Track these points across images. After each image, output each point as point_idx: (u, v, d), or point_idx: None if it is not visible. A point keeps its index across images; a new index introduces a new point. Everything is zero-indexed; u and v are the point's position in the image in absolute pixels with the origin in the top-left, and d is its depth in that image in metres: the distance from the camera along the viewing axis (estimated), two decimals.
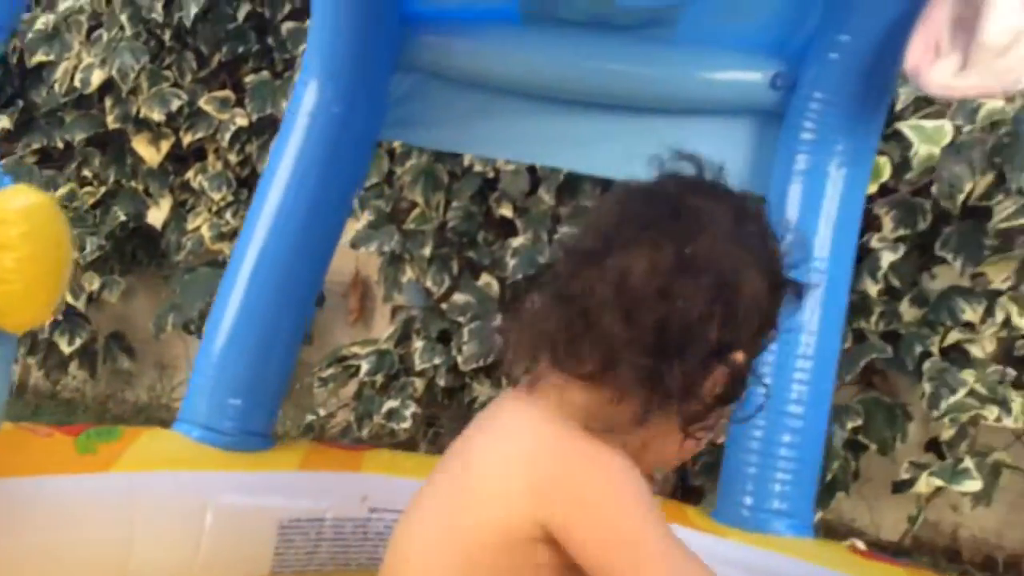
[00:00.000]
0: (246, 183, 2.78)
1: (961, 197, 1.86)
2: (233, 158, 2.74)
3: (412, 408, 2.38)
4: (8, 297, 0.92)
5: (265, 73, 2.70)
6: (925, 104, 1.84)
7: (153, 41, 2.73)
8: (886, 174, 1.89)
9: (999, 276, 1.94)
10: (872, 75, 1.27)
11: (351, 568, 1.33)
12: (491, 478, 0.85)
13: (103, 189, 2.85)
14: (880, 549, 2.05)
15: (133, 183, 2.85)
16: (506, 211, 2.45)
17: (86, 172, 2.87)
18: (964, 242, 1.93)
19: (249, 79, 2.70)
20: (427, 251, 2.51)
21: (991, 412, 1.84)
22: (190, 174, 2.80)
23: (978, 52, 1.09)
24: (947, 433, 1.91)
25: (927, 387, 1.91)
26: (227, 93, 2.74)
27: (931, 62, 1.13)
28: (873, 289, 1.96)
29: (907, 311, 2.01)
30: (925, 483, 1.81)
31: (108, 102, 2.77)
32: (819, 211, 1.28)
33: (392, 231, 2.54)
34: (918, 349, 1.96)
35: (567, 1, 1.32)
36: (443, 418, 2.53)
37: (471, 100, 1.45)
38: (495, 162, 2.45)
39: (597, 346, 0.82)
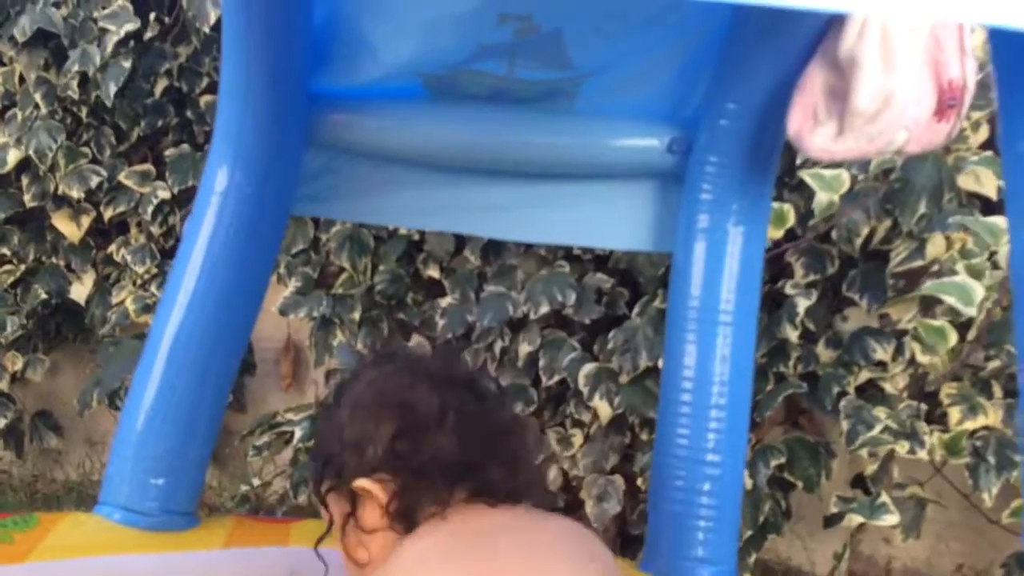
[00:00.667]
0: (170, 254, 2.78)
1: (859, 241, 1.97)
2: (156, 230, 2.74)
3: None
4: None
5: (185, 146, 2.72)
6: None
7: (70, 118, 2.73)
8: (791, 221, 2.00)
9: (904, 315, 2.04)
10: (759, 139, 1.35)
11: None
12: None
13: (23, 267, 2.81)
14: None
15: (54, 259, 2.83)
16: (433, 272, 2.50)
17: (4, 250, 2.84)
18: (868, 283, 2.04)
19: (169, 152, 2.72)
20: (356, 314, 2.53)
21: (903, 447, 1.93)
22: (112, 248, 2.79)
23: (851, 119, 1.18)
24: (870, 468, 1.99)
25: (844, 424, 1.99)
26: (147, 167, 2.75)
27: (811, 128, 1.22)
28: (793, 334, 2.04)
29: (823, 352, 2.11)
30: (849, 518, 1.89)
31: (25, 180, 2.75)
32: (722, 267, 1.36)
33: (320, 296, 2.56)
34: (835, 389, 2.05)
35: (468, 78, 1.38)
36: None
37: (383, 173, 1.50)
38: None
39: None
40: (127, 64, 2.57)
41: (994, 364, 1.97)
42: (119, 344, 2.65)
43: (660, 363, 2.17)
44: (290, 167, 1.45)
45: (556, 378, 2.29)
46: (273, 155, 1.41)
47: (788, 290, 2.03)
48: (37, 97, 2.70)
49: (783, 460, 2.05)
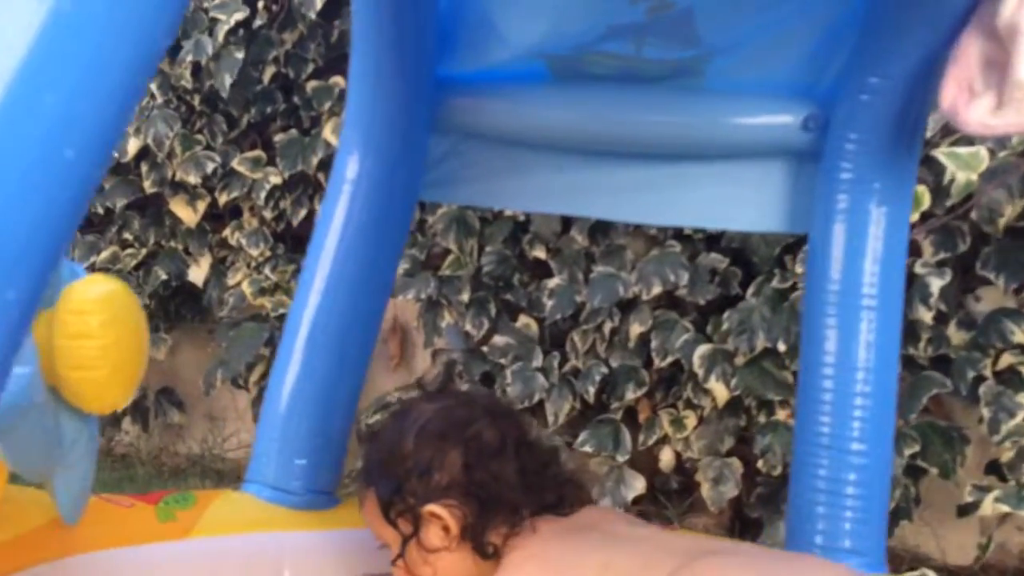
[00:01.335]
0: (282, 238, 2.86)
1: (1002, 221, 1.88)
2: (268, 215, 2.81)
3: None
4: (93, 384, 0.97)
5: (293, 131, 2.77)
6: (954, 130, 1.87)
7: (184, 107, 2.82)
8: (926, 203, 1.91)
9: None
10: (904, 114, 1.30)
11: None
12: None
13: (144, 251, 2.93)
14: (949, 575, 2.05)
15: (173, 243, 2.93)
16: (539, 253, 2.50)
17: (127, 235, 2.96)
18: (1005, 262, 1.95)
19: (278, 138, 2.78)
20: (465, 296, 2.55)
21: None
22: (227, 232, 2.87)
23: (1012, 91, 1.12)
24: (1006, 455, 1.92)
25: (985, 412, 1.92)
26: (258, 153, 2.82)
27: (967, 102, 1.16)
28: (926, 316, 1.96)
29: (955, 335, 2.02)
30: (991, 506, 1.82)
31: (144, 168, 2.86)
32: (864, 249, 1.31)
33: (428, 278, 2.59)
34: (970, 373, 1.97)
35: (594, 59, 1.36)
36: None
37: (506, 157, 1.50)
38: None
39: None
40: (239, 55, 2.64)
41: None
42: (239, 326, 2.74)
43: (779, 345, 2.14)
44: (418, 153, 1.46)
45: (669, 359, 2.27)
46: (402, 141, 1.43)
47: (918, 269, 1.96)
48: (153, 87, 2.79)
49: (917, 448, 1.99)
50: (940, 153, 1.86)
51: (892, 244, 1.32)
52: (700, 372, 2.20)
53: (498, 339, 2.51)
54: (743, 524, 2.33)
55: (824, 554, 1.27)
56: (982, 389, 1.91)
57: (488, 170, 1.50)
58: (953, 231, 1.98)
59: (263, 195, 2.76)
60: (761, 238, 2.18)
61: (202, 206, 2.85)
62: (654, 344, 2.28)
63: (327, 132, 2.65)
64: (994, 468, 1.99)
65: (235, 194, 2.81)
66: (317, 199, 2.77)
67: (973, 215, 1.91)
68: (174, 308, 2.99)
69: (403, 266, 2.61)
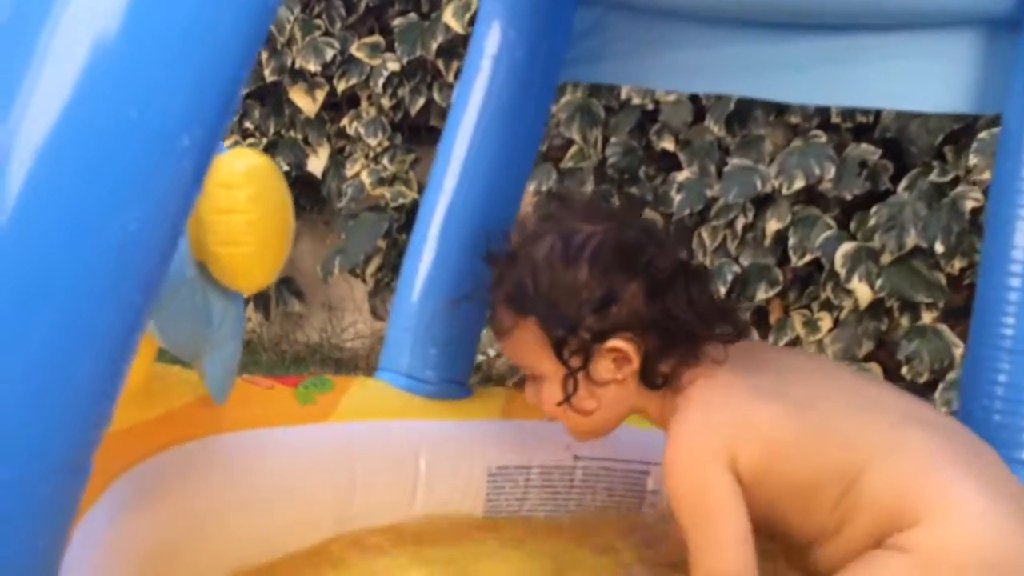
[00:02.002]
0: (400, 128, 2.81)
1: None
2: (386, 103, 2.76)
3: None
4: (242, 259, 0.94)
5: (412, 15, 2.68)
6: None
7: None
8: None
9: None
10: None
11: (560, 514, 1.33)
12: None
13: (265, 140, 2.92)
14: None
15: (292, 133, 2.92)
16: (668, 144, 2.37)
17: (247, 124, 2.95)
18: None
19: (396, 22, 2.69)
20: (587, 189, 2.46)
21: None
22: (345, 121, 2.84)
23: None
24: None
25: None
26: (377, 38, 2.75)
27: None
28: None
29: None
30: None
31: (264, 55, 2.82)
32: None
33: (549, 170, 2.50)
34: None
35: None
36: None
37: (657, 30, 1.37)
38: (655, 94, 2.36)
39: None
40: None
41: None
42: (358, 217, 2.73)
43: (936, 245, 1.98)
44: (563, 25, 1.36)
45: (808, 258, 2.13)
46: (547, 11, 1.32)
47: None
48: None
49: None
50: None
51: None
52: (842, 271, 2.06)
53: None
54: None
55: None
56: None
57: (635, 45, 1.38)
58: None
59: (381, 82, 2.70)
60: (922, 126, 2.00)
61: (321, 95, 2.82)
62: (792, 241, 2.15)
63: (447, 15, 2.55)
64: None
65: (353, 81, 2.75)
66: (436, 87, 2.69)
67: None
68: (294, 198, 2.98)
69: None
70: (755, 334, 2.23)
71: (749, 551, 0.97)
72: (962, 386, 1.25)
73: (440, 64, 2.65)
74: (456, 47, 2.61)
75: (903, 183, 2.06)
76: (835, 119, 2.13)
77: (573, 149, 2.49)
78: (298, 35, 2.73)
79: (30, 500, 0.62)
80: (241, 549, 1.07)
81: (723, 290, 2.22)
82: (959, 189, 1.96)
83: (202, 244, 0.92)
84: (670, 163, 2.39)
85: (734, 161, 2.21)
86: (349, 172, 2.84)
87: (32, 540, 0.64)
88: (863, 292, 2.06)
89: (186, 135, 0.62)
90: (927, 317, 2.08)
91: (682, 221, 2.33)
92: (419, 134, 2.82)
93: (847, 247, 2.07)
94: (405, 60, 2.66)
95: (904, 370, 2.04)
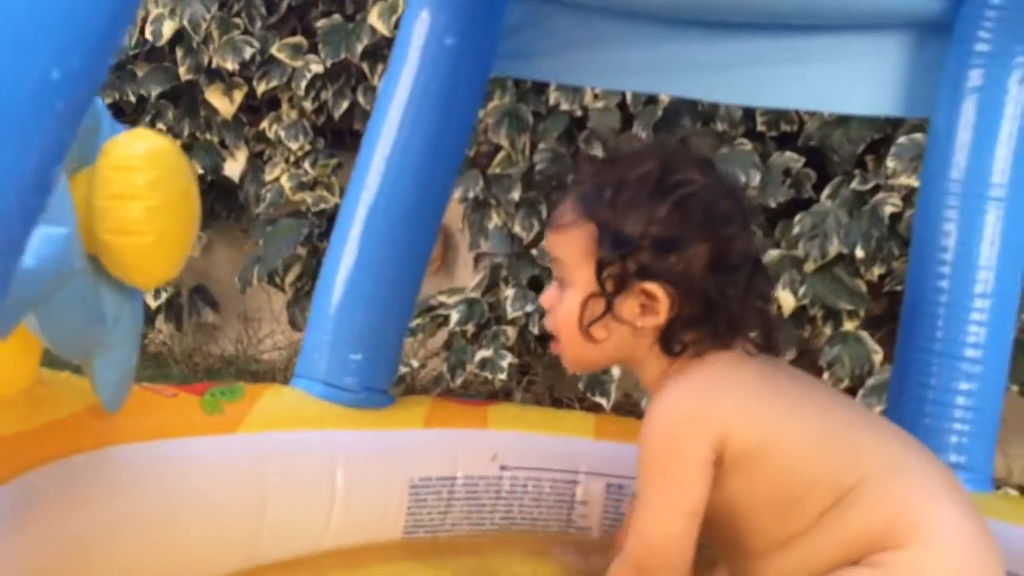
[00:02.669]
0: (323, 132, 2.72)
1: None
2: (308, 106, 2.67)
3: (508, 358, 2.31)
4: (139, 250, 0.86)
5: (336, 17, 2.60)
6: None
7: None
8: None
9: None
10: None
11: (485, 527, 1.27)
12: None
13: (179, 143, 2.79)
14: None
15: (208, 135, 2.80)
16: (597, 151, 2.34)
17: (160, 126, 2.82)
18: None
19: (320, 24, 2.61)
20: (516, 195, 2.41)
21: None
22: (265, 124, 2.74)
23: None
24: None
25: None
26: (299, 39, 2.66)
27: None
28: None
29: None
30: None
31: (179, 53, 2.70)
32: (997, 132, 1.15)
33: (476, 176, 2.45)
34: None
35: None
36: (537, 367, 2.47)
37: (590, 27, 1.34)
38: (583, 100, 2.34)
39: None
40: None
41: None
42: (276, 223, 2.63)
43: (857, 250, 1.99)
44: (494, 18, 1.31)
45: None
46: (477, 2, 1.27)
47: None
48: None
49: None
50: None
51: None
52: None
53: None
54: None
55: None
56: None
57: (568, 41, 1.35)
58: None
59: (303, 85, 2.61)
60: (844, 135, 2.02)
61: (239, 96, 2.71)
62: None
63: (373, 17, 2.47)
64: None
65: (274, 83, 2.66)
66: (360, 91, 2.61)
67: None
68: (209, 204, 2.87)
69: None
70: None
71: (692, 527, 0.94)
72: (891, 390, 1.24)
73: (365, 67, 2.57)
74: (381, 50, 2.54)
75: (826, 191, 2.08)
76: (760, 127, 2.14)
77: (501, 155, 2.44)
78: (215, 33, 2.63)
79: None
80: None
81: None
82: (879, 196, 1.98)
83: (94, 234, 0.84)
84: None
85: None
86: (268, 177, 2.74)
87: None
88: (787, 300, 2.06)
89: (56, 68, 0.53)
90: (849, 324, 2.10)
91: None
92: (343, 138, 2.74)
93: (772, 255, 2.07)
94: (329, 62, 2.57)
95: (826, 376, 2.05)
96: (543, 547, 1.23)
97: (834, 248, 2.03)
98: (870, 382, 2.01)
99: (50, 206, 0.64)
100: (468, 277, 2.66)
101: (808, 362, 2.15)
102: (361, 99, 2.60)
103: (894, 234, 2.00)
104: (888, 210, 1.98)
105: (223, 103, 2.72)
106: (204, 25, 2.61)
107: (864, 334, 2.06)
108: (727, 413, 0.96)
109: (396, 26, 2.25)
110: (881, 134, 2.03)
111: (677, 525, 0.93)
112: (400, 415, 1.30)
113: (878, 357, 2.02)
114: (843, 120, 2.04)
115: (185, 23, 2.61)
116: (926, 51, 1.24)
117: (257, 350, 2.92)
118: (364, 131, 1.34)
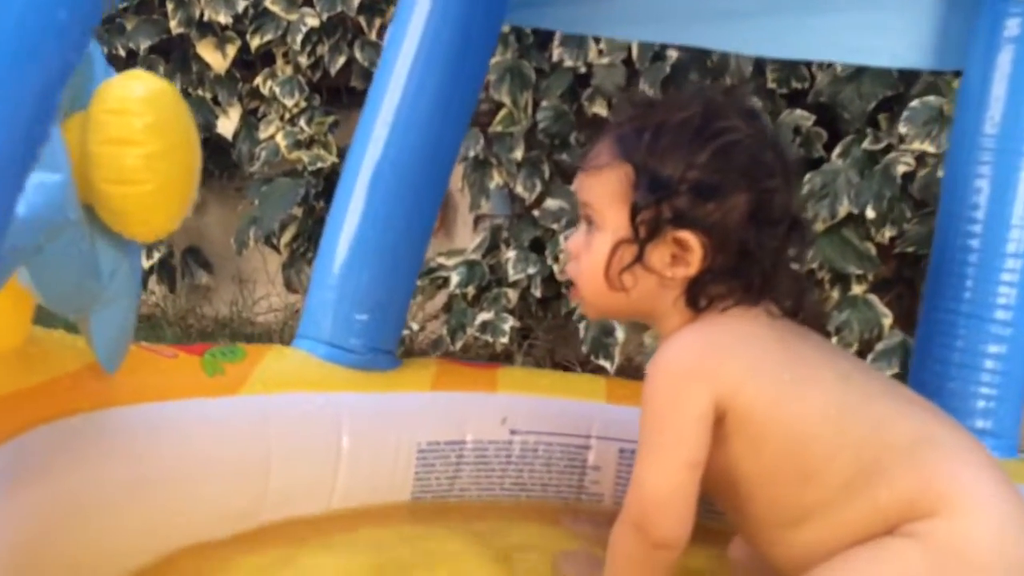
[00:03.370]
0: (318, 88, 2.64)
1: None
2: (304, 61, 2.59)
3: (510, 321, 2.27)
4: (137, 200, 0.81)
5: None
6: None
7: None
8: None
9: None
10: None
11: (495, 493, 1.24)
12: None
13: None
14: None
15: (200, 91, 2.72)
16: (600, 109, 2.28)
17: None
18: None
19: None
20: (516, 155, 2.36)
21: None
22: (259, 80, 2.66)
23: None
24: None
25: None
26: None
27: None
28: None
29: None
30: None
31: (170, 5, 2.62)
32: None
33: (476, 135, 2.39)
34: None
35: None
36: (538, 330, 2.43)
37: None
38: (587, 56, 2.27)
39: None
40: None
41: None
42: (271, 182, 2.57)
43: (868, 211, 1.95)
44: None
45: None
46: None
47: None
48: None
49: None
50: None
51: None
52: None
53: (551, 203, 2.32)
54: None
55: None
56: None
57: None
58: None
59: (299, 39, 2.52)
60: (855, 92, 1.96)
61: (232, 50, 2.63)
62: None
63: None
64: None
65: (268, 37, 2.57)
66: (358, 46, 2.53)
67: None
68: (201, 163, 2.80)
69: None
70: None
71: (692, 479, 0.91)
72: (915, 352, 1.20)
73: (362, 21, 2.49)
74: (379, 3, 2.46)
75: (837, 150, 2.02)
76: (770, 84, 2.08)
77: (502, 113, 2.37)
78: None
79: None
80: (133, 540, 0.94)
81: None
82: (891, 155, 1.93)
83: (89, 182, 0.78)
84: (602, 128, 2.30)
85: None
86: (263, 134, 2.66)
87: None
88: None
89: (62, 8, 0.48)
90: (857, 288, 2.06)
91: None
92: (339, 96, 2.66)
93: None
94: (325, 16, 2.50)
95: (834, 341, 2.02)
96: (553, 517, 1.19)
97: (844, 208, 1.98)
98: (879, 347, 1.98)
99: (43, 152, 0.59)
100: (468, 239, 2.61)
101: (817, 326, 2.11)
102: (358, 54, 2.53)
103: (906, 195, 1.95)
104: (901, 169, 1.93)
105: (215, 58, 2.63)
106: None
107: (873, 298, 2.03)
108: (733, 369, 0.92)
109: None
110: (893, 91, 1.97)
111: (676, 476, 0.90)
112: (407, 377, 1.26)
113: (887, 321, 1.99)
114: (854, 76, 1.98)
115: None
116: (958, 1, 1.18)
117: (252, 312, 2.87)
118: (363, 86, 1.28)
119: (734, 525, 1.00)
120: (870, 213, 1.94)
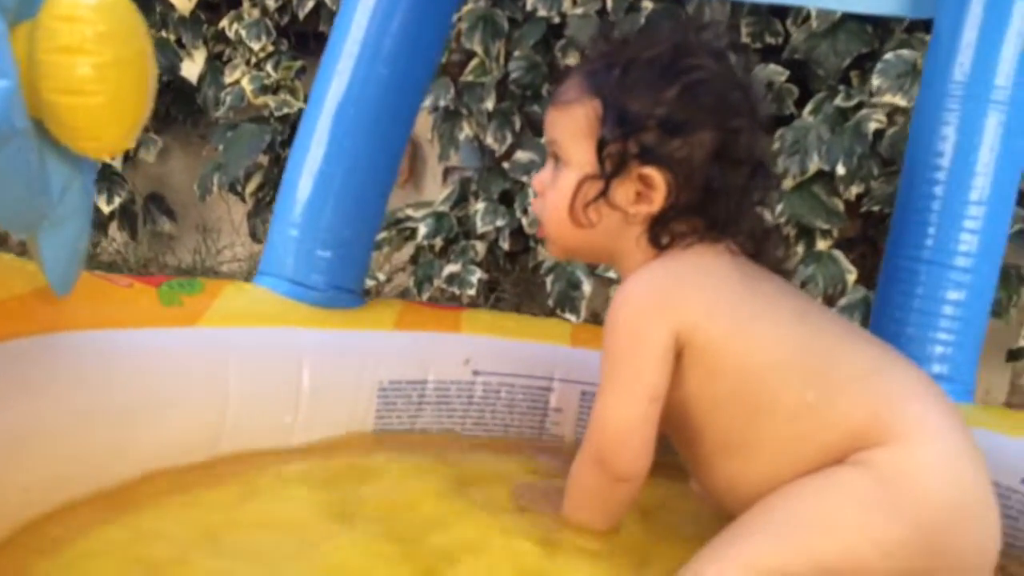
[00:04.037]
0: (286, 33, 2.59)
1: None
2: (271, 4, 2.53)
3: (477, 273, 2.26)
4: (88, 112, 0.78)
5: None
6: None
7: None
8: None
9: None
10: None
11: (456, 433, 1.23)
12: None
13: None
14: None
15: (164, 33, 2.65)
16: (573, 60, 2.26)
17: None
18: None
19: None
20: (487, 105, 2.33)
21: None
22: (225, 23, 2.60)
23: None
24: None
25: None
26: None
27: None
28: None
29: None
30: None
31: None
32: (1004, 31, 1.10)
33: (447, 84, 2.35)
34: None
35: None
36: (505, 283, 2.42)
37: None
38: (561, 5, 2.24)
39: None
40: None
41: None
42: (237, 128, 2.51)
43: (838, 167, 1.96)
44: None
45: None
46: None
47: None
48: None
49: None
50: None
51: None
52: None
53: (521, 155, 2.30)
54: None
55: None
56: None
57: None
58: None
59: None
60: (830, 48, 1.96)
61: None
62: None
63: None
64: None
65: None
66: None
67: None
68: (165, 107, 2.74)
69: None
70: None
71: (652, 412, 0.92)
72: (876, 301, 1.21)
73: None
74: None
75: (808, 107, 2.02)
76: (744, 38, 2.07)
77: (474, 63, 2.34)
78: None
79: None
80: (85, 467, 0.92)
81: None
82: (863, 112, 1.94)
83: (38, 92, 0.75)
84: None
85: None
86: (228, 79, 2.61)
87: None
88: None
89: None
90: (822, 244, 2.08)
91: None
92: (307, 41, 2.61)
93: None
94: None
95: None
96: (515, 449, 1.19)
97: (814, 165, 1.98)
98: (842, 302, 2.00)
99: None
100: (437, 190, 2.58)
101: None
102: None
103: (875, 153, 1.96)
104: (872, 126, 1.94)
105: None
106: None
107: (838, 253, 2.04)
108: (694, 303, 0.93)
109: None
110: (868, 48, 1.97)
111: (636, 409, 0.91)
112: (369, 316, 1.25)
113: (852, 277, 2.01)
114: (830, 32, 1.98)
115: None
116: None
117: (216, 261, 2.83)
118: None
119: (686, 462, 1.01)
120: (840, 170, 1.95)
